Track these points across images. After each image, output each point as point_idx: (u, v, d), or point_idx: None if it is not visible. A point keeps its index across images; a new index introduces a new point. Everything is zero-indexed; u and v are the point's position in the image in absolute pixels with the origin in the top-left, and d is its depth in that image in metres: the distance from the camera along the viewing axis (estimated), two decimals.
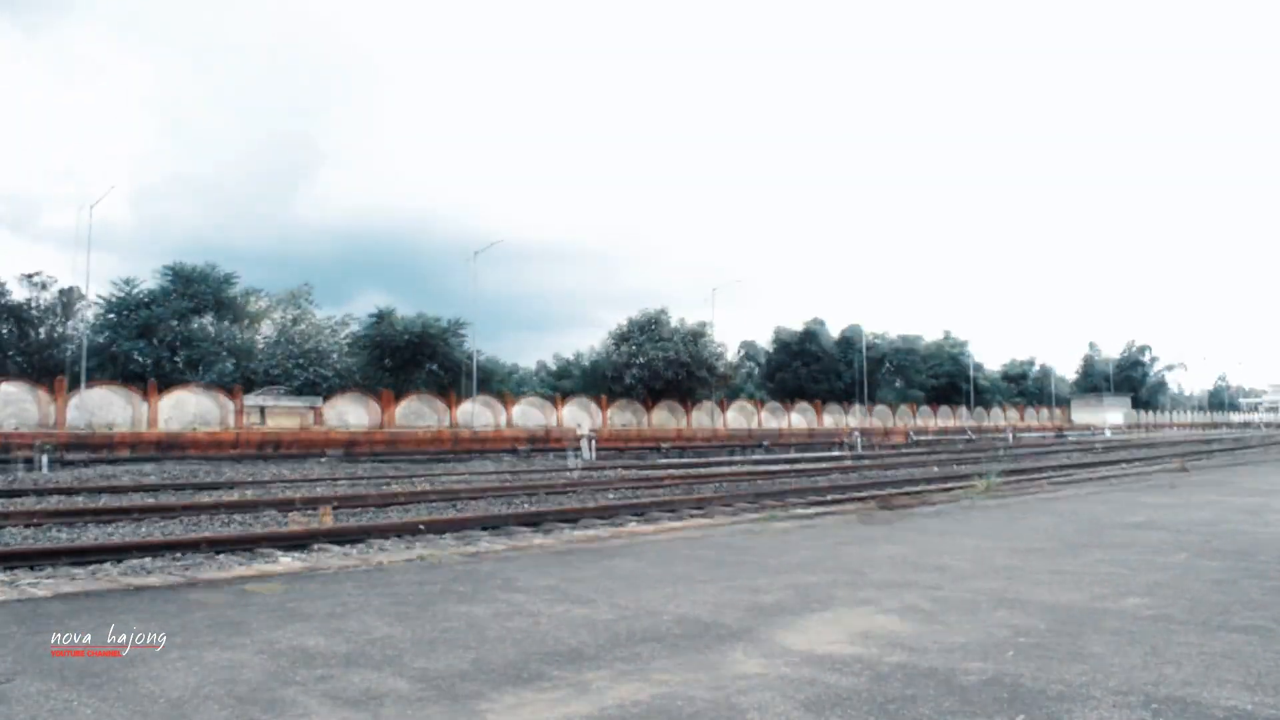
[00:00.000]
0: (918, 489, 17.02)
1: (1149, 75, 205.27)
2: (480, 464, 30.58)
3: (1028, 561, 8.18)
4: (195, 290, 43.51)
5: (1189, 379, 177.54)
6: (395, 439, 38.27)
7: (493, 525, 12.51)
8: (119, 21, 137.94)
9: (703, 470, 25.98)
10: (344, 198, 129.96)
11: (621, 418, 51.19)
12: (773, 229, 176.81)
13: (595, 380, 52.62)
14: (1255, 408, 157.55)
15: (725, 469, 27.54)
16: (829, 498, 15.85)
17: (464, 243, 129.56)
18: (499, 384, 53.71)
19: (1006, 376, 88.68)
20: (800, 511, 13.20)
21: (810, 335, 66.47)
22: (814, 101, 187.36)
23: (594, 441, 32.88)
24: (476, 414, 45.63)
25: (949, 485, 18.10)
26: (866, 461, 31.93)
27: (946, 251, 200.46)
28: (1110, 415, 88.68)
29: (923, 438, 57.15)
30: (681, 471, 25.29)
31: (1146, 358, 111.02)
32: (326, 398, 42.18)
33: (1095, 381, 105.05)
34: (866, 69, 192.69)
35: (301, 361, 41.99)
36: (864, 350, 63.65)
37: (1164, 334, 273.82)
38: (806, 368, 65.73)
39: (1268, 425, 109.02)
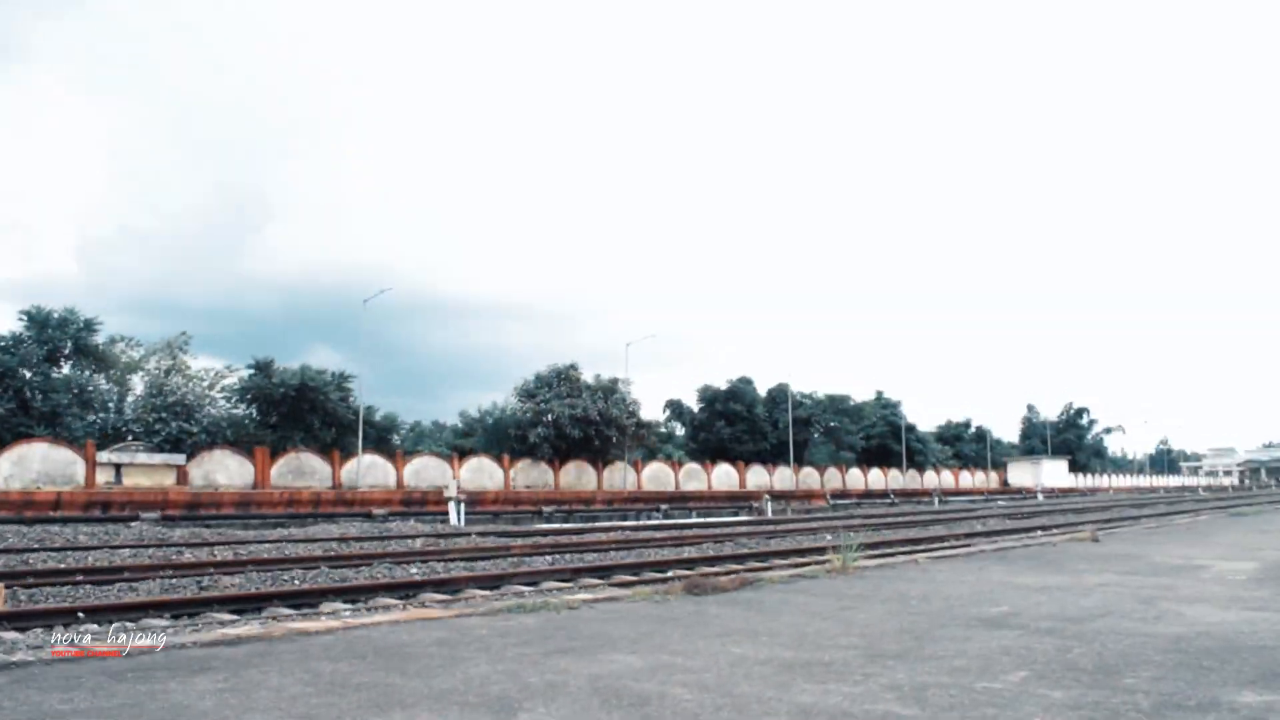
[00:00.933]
0: (763, 563, 14.15)
1: (1085, 132, 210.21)
2: (327, 528, 27.16)
3: (787, 687, 5.30)
4: (52, 336, 39.73)
5: (1132, 442, 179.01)
6: (251, 500, 34.64)
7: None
8: (71, 74, 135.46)
9: (572, 538, 22.89)
10: (294, 252, 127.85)
11: (527, 477, 47.92)
12: (714, 287, 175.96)
13: (500, 438, 49.35)
14: (1196, 471, 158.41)
15: (600, 535, 24.52)
16: (645, 575, 12.91)
17: (417, 299, 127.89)
18: (411, 440, 50.19)
19: (942, 438, 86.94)
20: (582, 596, 10.27)
21: (734, 393, 63.95)
22: (757, 164, 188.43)
23: (462, 505, 29.64)
24: (364, 472, 42.09)
25: (805, 559, 15.27)
26: (765, 527, 29.12)
27: (885, 313, 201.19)
28: (1047, 477, 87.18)
29: (841, 501, 54.48)
30: (549, 540, 22.20)
31: (1084, 420, 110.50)
32: (191, 455, 38.46)
33: (1034, 444, 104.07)
34: (803, 126, 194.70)
35: (165, 415, 38.25)
36: (790, 408, 61.20)
37: (1103, 397, 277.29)
38: (731, 426, 63.07)
39: (1205, 489, 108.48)
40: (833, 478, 65.74)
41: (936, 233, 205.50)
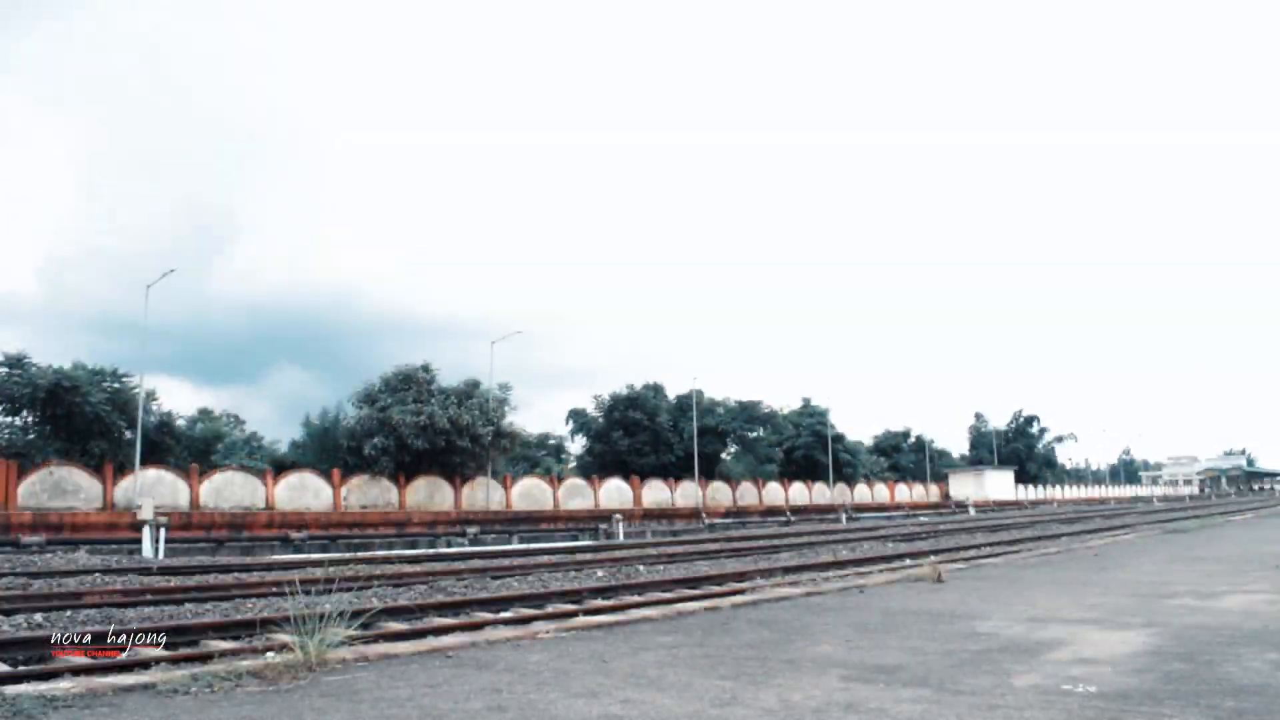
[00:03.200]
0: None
1: (1039, 129, 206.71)
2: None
3: None
4: None
5: (1093, 452, 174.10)
6: None
7: None
8: (34, 89, 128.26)
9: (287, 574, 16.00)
10: (262, 271, 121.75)
11: (364, 495, 40.82)
12: (670, 301, 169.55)
13: (332, 450, 42.24)
14: (1156, 480, 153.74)
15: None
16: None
17: (388, 319, 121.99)
18: (220, 454, 42.94)
19: (879, 448, 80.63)
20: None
21: (634, 401, 57.17)
22: (724, 184, 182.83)
23: (162, 530, 22.66)
24: (145, 490, 34.78)
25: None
26: (581, 555, 22.45)
27: (816, 318, 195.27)
28: (991, 489, 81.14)
29: (724, 521, 47.67)
30: (258, 575, 15.37)
31: (1035, 428, 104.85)
32: None
33: (983, 454, 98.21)
34: (744, 122, 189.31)
35: None
36: (695, 416, 54.49)
37: (1059, 406, 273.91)
38: (630, 437, 56.27)
39: (1160, 499, 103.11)
40: (747, 493, 59.13)
41: (883, 238, 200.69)
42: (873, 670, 6.65)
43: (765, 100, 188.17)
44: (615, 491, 51.12)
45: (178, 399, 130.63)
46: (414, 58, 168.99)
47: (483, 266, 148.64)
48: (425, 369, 43.18)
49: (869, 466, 75.07)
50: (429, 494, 42.70)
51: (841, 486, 67.88)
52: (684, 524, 44.09)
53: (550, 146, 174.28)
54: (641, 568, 18.77)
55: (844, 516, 46.50)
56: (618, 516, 36.01)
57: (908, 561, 18.74)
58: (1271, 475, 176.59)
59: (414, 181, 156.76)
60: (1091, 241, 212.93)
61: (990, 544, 24.67)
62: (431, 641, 7.89)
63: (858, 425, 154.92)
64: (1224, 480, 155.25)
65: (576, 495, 49.07)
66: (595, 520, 41.30)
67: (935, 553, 21.14)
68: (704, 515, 45.48)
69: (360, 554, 24.03)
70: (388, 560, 21.13)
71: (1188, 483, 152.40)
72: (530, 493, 47.56)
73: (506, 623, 10.16)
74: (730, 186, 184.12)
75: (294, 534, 30.95)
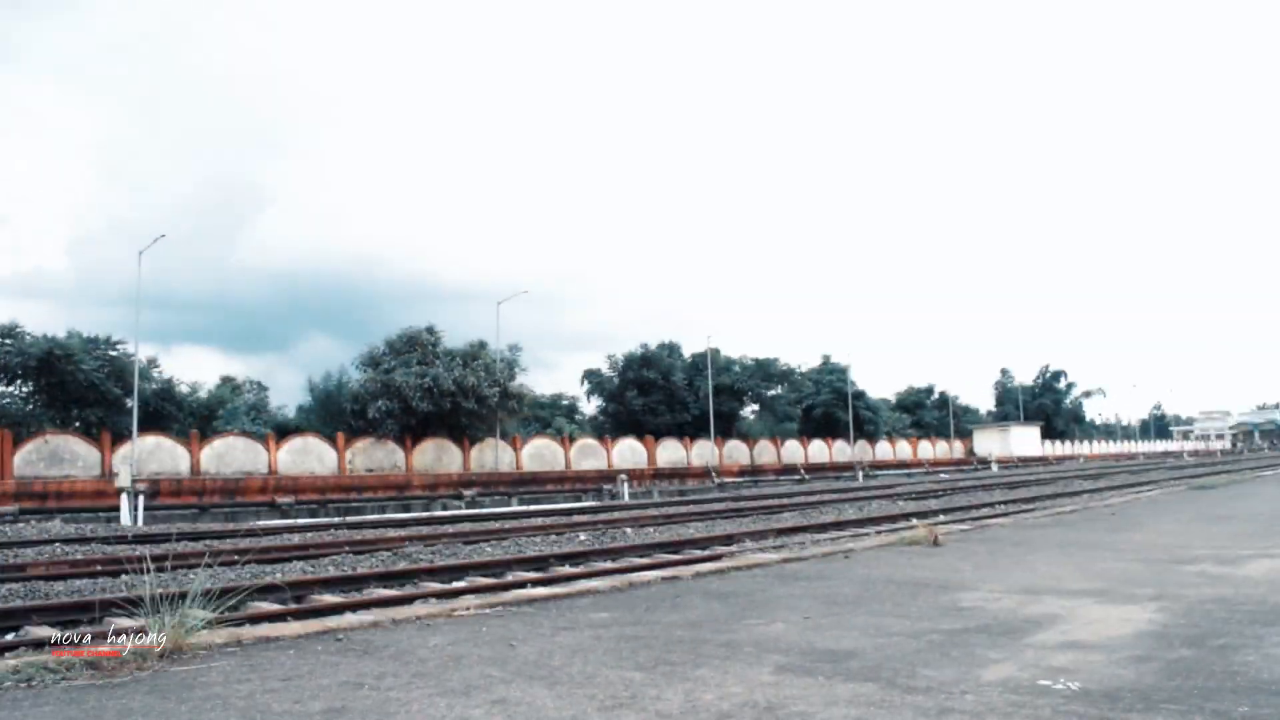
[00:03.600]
0: None
1: (1063, 97, 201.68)
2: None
3: None
4: None
5: (1124, 407, 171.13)
6: None
7: None
8: (60, 68, 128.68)
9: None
10: (287, 241, 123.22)
11: (369, 459, 40.21)
12: (690, 263, 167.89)
13: (337, 413, 41.57)
14: (1187, 435, 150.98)
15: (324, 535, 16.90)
16: None
17: (411, 286, 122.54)
18: (222, 419, 42.40)
19: (901, 405, 79.11)
20: None
21: (649, 360, 56.07)
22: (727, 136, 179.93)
23: (140, 498, 21.98)
24: (146, 458, 34.31)
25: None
26: (577, 518, 21.57)
27: (841, 278, 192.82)
28: (1016, 445, 79.60)
29: (737, 480, 46.61)
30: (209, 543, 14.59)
31: (1062, 383, 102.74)
32: None
33: (1009, 410, 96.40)
34: (746, 84, 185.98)
35: None
36: (710, 375, 53.31)
37: (1087, 361, 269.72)
38: (644, 397, 55.25)
39: (1191, 454, 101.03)
40: (765, 451, 58.12)
41: (904, 192, 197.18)
42: (818, 657, 5.61)
43: (780, 58, 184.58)
44: (629, 451, 50.26)
45: (205, 368, 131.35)
46: (433, 26, 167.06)
47: (503, 231, 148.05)
48: (430, 330, 42.34)
49: (892, 424, 73.77)
50: (436, 456, 42.04)
51: (862, 444, 66.67)
52: (696, 484, 43.20)
53: (565, 109, 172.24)
54: (630, 530, 17.82)
55: (860, 474, 45.31)
56: (623, 477, 35.14)
57: (913, 522, 17.65)
58: None
59: (431, 150, 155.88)
60: (1122, 195, 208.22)
61: (1006, 502, 23.52)
62: (326, 621, 6.94)
63: (880, 383, 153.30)
64: (1257, 435, 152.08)
65: (589, 456, 48.26)
66: (604, 481, 40.51)
67: (945, 511, 20.06)
68: (715, 475, 44.50)
69: (348, 519, 23.26)
70: (372, 525, 20.32)
71: (1220, 438, 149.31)
72: (541, 454, 46.80)
73: (436, 596, 9.19)
74: (750, 141, 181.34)
75: (281, 499, 30.31)
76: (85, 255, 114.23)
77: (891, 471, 55.05)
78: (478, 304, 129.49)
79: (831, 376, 66.52)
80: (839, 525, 17.58)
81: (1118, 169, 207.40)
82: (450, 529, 18.96)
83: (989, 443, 79.20)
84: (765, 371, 60.40)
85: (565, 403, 69.76)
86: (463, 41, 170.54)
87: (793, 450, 60.61)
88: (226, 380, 56.85)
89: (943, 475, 49.70)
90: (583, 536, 16.66)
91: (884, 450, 68.78)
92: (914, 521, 17.48)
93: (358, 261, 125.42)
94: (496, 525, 19.42)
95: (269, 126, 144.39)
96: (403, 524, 20.78)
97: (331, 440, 39.28)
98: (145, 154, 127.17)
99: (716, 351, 59.05)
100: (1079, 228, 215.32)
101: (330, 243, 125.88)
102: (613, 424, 55.85)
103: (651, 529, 18.22)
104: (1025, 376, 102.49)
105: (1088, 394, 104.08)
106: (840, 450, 64.07)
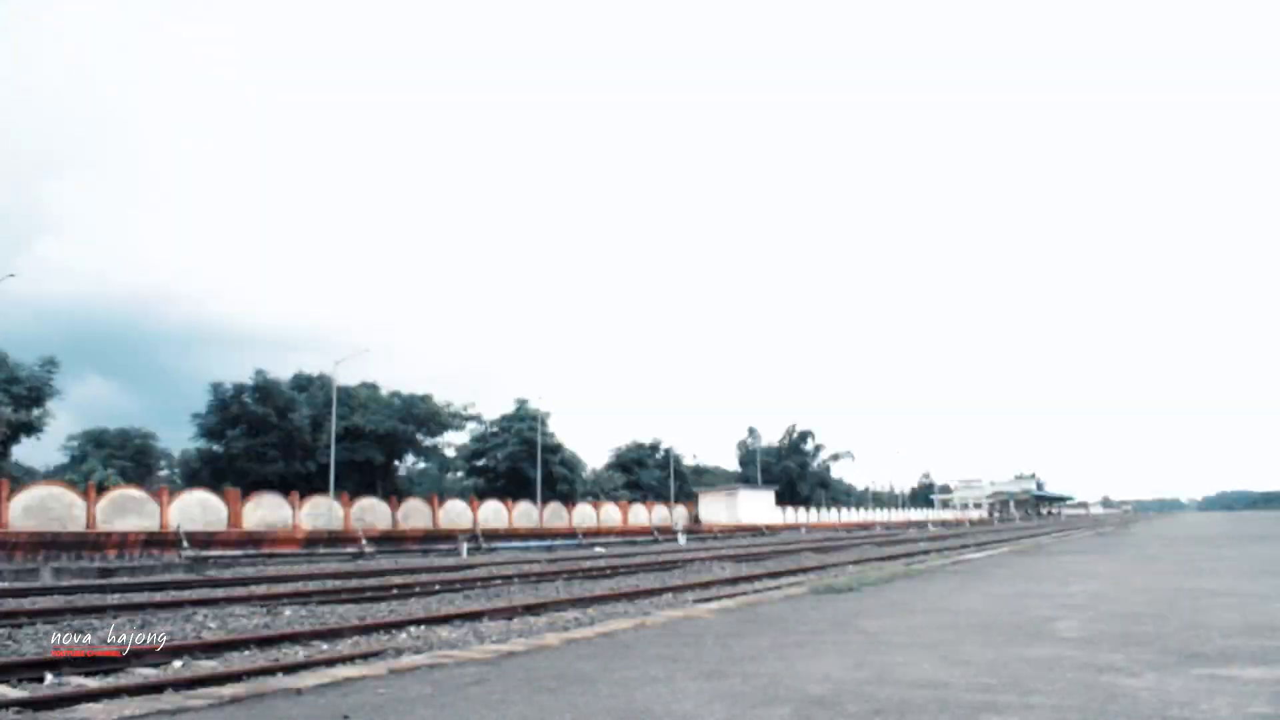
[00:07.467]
0: None
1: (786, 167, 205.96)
2: None
3: None
4: None
5: (896, 475, 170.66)
6: None
7: None
8: None
9: None
10: (66, 273, 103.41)
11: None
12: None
13: None
14: (947, 504, 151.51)
15: None
16: None
17: (200, 327, 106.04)
18: None
19: (618, 463, 70.63)
20: None
21: (265, 392, 44.63)
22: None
23: None
24: None
25: None
26: None
27: (547, 319, 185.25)
28: (746, 511, 72.56)
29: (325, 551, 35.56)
30: None
31: (809, 445, 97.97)
32: None
33: (752, 472, 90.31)
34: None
35: None
36: (334, 408, 42.28)
37: (847, 427, 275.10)
38: (252, 438, 43.67)
39: (937, 523, 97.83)
40: (414, 513, 47.55)
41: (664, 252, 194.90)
42: None
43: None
44: (198, 508, 38.42)
45: None
46: (231, 54, 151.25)
47: (313, 272, 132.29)
48: None
49: (604, 483, 65.00)
50: None
51: (556, 505, 57.33)
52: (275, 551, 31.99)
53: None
54: None
55: (463, 548, 35.41)
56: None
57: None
58: (1059, 500, 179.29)
59: (240, 181, 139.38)
60: (895, 267, 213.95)
61: (552, 603, 13.92)
62: None
63: (600, 439, 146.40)
64: (1012, 504, 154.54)
65: (124, 511, 36.05)
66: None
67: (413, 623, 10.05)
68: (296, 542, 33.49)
69: None
70: None
71: (977, 506, 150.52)
72: (47, 507, 34.33)
73: None
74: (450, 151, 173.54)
75: None
76: None
77: (514, 545, 44.20)
78: (266, 351, 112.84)
79: (522, 424, 56.94)
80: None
81: (873, 241, 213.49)
82: None
83: (715, 507, 71.84)
84: (430, 412, 50.03)
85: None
86: (259, 71, 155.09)
87: (457, 512, 50.31)
88: None
89: (599, 549, 40.40)
90: None
91: (585, 514, 59.59)
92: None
93: (146, 299, 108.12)
94: None
95: (54, 149, 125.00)
96: None
97: None
98: None
99: (374, 387, 48.37)
100: (853, 290, 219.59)
101: (116, 276, 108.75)
102: (208, 469, 43.80)
103: None
104: (774, 437, 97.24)
105: (835, 457, 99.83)
106: (524, 514, 54.38)
